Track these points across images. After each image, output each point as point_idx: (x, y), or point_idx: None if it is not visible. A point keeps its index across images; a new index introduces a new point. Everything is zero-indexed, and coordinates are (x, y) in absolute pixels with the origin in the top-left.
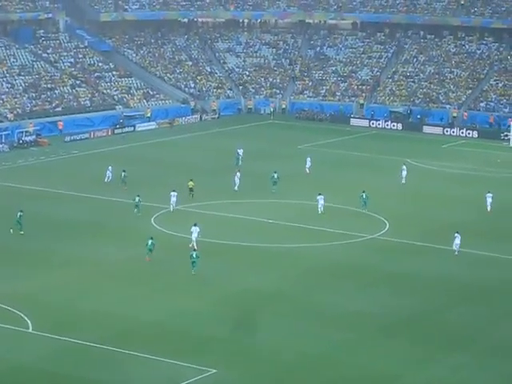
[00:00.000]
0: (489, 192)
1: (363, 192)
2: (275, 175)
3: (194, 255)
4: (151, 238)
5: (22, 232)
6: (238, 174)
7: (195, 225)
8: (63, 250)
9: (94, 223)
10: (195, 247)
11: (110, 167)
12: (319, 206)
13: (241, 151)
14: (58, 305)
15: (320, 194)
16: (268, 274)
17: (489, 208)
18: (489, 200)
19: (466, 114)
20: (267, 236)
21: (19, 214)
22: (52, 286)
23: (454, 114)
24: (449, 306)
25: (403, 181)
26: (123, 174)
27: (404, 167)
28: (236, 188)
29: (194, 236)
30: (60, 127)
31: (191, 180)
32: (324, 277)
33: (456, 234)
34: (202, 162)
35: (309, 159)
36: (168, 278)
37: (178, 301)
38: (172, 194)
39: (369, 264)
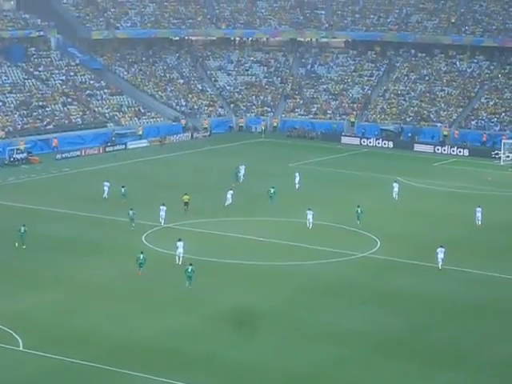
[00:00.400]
0: (478, 207)
1: (358, 207)
2: (272, 190)
3: (190, 269)
4: (141, 253)
5: (24, 246)
6: (231, 191)
7: (180, 240)
8: (54, 267)
9: (84, 241)
10: (180, 262)
11: (107, 183)
12: (308, 220)
13: (242, 168)
14: (48, 322)
15: (309, 209)
16: (259, 292)
17: (478, 222)
18: (478, 214)
19: (457, 132)
20: (258, 254)
21: (22, 228)
22: (42, 304)
23: (445, 133)
24: (440, 324)
25: (395, 197)
26: (123, 189)
27: (395, 184)
28: (226, 204)
29: (179, 251)
30: (55, 144)
31: (186, 194)
32: (315, 295)
33: (440, 248)
34: (193, 180)
35: (297, 174)
36: (158, 295)
37: (169, 318)
38: (161, 207)
39: (360, 282)
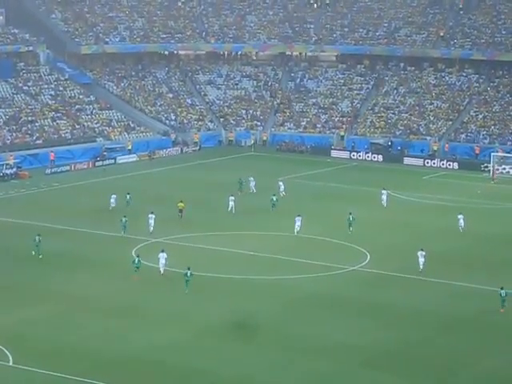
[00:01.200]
0: (460, 214)
1: (350, 214)
2: (274, 198)
3: (188, 274)
4: (137, 256)
5: (41, 256)
6: (233, 197)
7: (162, 251)
8: (44, 282)
9: (74, 255)
10: (163, 272)
11: (114, 195)
12: (296, 226)
13: (252, 180)
14: (38, 337)
15: (298, 216)
16: (249, 306)
17: (461, 229)
18: (461, 222)
19: (447, 145)
20: (248, 268)
21: (37, 238)
22: (32, 319)
23: (435, 148)
24: (430, 337)
25: (384, 204)
26: (128, 196)
27: (383, 191)
28: (229, 209)
29: (162, 262)
30: (52, 158)
31: (181, 201)
32: (306, 309)
33: (420, 252)
34: (183, 194)
35: (281, 183)
36: (148, 309)
37: (159, 332)
38: (150, 216)
39: (350, 295)
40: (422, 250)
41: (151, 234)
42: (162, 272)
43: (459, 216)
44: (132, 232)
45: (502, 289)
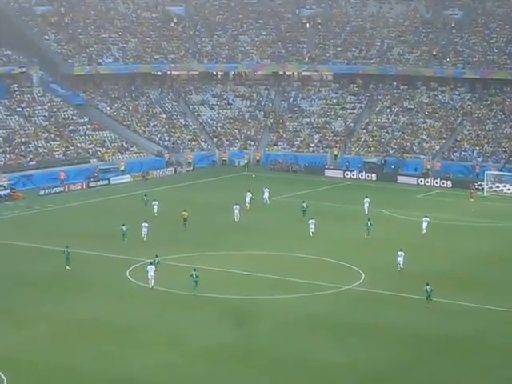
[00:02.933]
0: (425, 216)
1: (368, 220)
2: (304, 204)
3: (195, 275)
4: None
5: (69, 268)
6: (237, 205)
7: (151, 263)
8: (37, 304)
9: (68, 277)
10: (152, 285)
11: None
12: (310, 228)
13: (266, 191)
14: (33, 361)
15: (312, 218)
16: (243, 326)
17: (424, 231)
18: (424, 224)
19: (438, 164)
20: (243, 288)
21: (66, 250)
22: (27, 342)
23: (429, 166)
24: (427, 358)
25: (367, 211)
26: (145, 197)
27: (366, 199)
28: (236, 220)
29: (150, 274)
30: (62, 177)
31: (185, 210)
32: (299, 329)
33: (400, 252)
34: (177, 215)
35: (266, 190)
36: (143, 332)
37: (151, 356)
38: (143, 224)
39: (345, 315)
40: (401, 250)
41: (145, 242)
42: (151, 285)
43: (424, 218)
44: (127, 253)
45: (427, 285)
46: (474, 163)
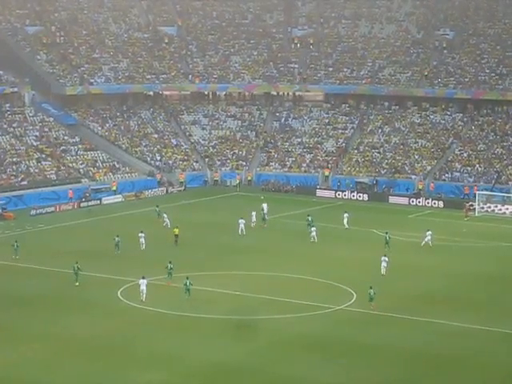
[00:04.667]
0: (385, 255)
1: (386, 233)
2: (309, 218)
3: (188, 283)
4: (187, 278)
5: (77, 283)
6: (243, 220)
7: (143, 278)
8: (28, 324)
9: (59, 297)
10: (144, 299)
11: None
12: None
13: (265, 206)
14: (25, 380)
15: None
16: (234, 346)
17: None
18: (428, 237)
19: (432, 185)
20: (234, 308)
21: (76, 265)
22: (18, 361)
23: (420, 186)
24: (418, 378)
25: (346, 226)
26: (157, 208)
27: (345, 214)
28: (240, 233)
29: (142, 288)
30: (71, 195)
31: (177, 227)
32: (291, 349)
33: (383, 257)
34: (168, 235)
35: (265, 205)
36: (133, 352)
37: (145, 375)
38: (140, 234)
39: (336, 336)
40: (385, 255)
41: (143, 250)
42: (143, 299)
43: (383, 258)
44: (118, 273)
45: (371, 288)
46: (466, 183)
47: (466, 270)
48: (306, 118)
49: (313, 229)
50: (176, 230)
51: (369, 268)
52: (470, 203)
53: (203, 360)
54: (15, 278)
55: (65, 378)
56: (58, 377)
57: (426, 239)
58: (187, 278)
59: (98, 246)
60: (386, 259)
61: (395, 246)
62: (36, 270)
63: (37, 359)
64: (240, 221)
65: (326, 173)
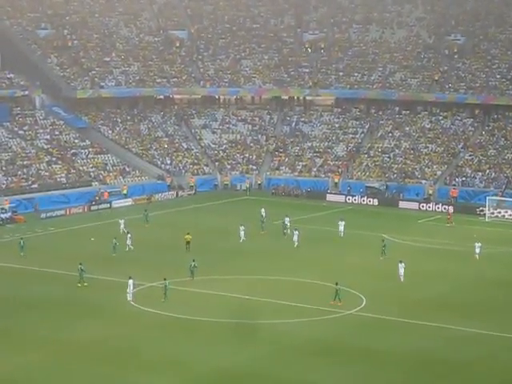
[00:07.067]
0: (401, 261)
1: (383, 241)
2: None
3: (193, 265)
4: (193, 260)
5: (86, 284)
6: (243, 226)
7: (130, 278)
8: (38, 328)
9: (69, 301)
10: (131, 299)
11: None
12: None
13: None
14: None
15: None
16: (243, 351)
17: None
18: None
19: (455, 190)
20: (243, 312)
21: (80, 266)
22: (26, 365)
23: (430, 191)
24: (426, 383)
25: (341, 234)
26: (145, 212)
27: (341, 222)
28: (241, 241)
29: (131, 289)
30: (106, 196)
31: (188, 233)
32: (300, 354)
33: (400, 264)
34: (178, 239)
35: (287, 218)
36: (142, 356)
37: (152, 379)
38: (128, 236)
39: (346, 340)
40: (401, 261)
41: (153, 253)
42: (130, 300)
43: (400, 265)
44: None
45: (336, 283)
46: (451, 188)
47: (476, 275)
48: (316, 122)
49: (295, 232)
50: (188, 237)
51: (378, 273)
52: (480, 208)
53: (211, 365)
54: (26, 281)
55: (72, 383)
56: (65, 381)
57: (477, 251)
58: (193, 261)
59: (108, 249)
60: (404, 265)
61: (405, 252)
62: (45, 272)
63: (44, 363)
64: (240, 228)
65: (336, 179)
